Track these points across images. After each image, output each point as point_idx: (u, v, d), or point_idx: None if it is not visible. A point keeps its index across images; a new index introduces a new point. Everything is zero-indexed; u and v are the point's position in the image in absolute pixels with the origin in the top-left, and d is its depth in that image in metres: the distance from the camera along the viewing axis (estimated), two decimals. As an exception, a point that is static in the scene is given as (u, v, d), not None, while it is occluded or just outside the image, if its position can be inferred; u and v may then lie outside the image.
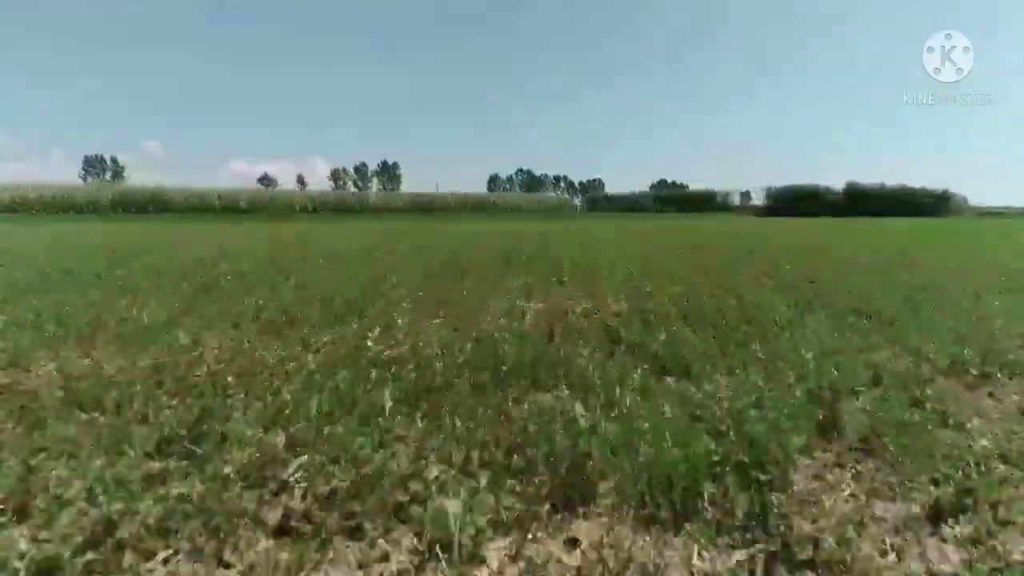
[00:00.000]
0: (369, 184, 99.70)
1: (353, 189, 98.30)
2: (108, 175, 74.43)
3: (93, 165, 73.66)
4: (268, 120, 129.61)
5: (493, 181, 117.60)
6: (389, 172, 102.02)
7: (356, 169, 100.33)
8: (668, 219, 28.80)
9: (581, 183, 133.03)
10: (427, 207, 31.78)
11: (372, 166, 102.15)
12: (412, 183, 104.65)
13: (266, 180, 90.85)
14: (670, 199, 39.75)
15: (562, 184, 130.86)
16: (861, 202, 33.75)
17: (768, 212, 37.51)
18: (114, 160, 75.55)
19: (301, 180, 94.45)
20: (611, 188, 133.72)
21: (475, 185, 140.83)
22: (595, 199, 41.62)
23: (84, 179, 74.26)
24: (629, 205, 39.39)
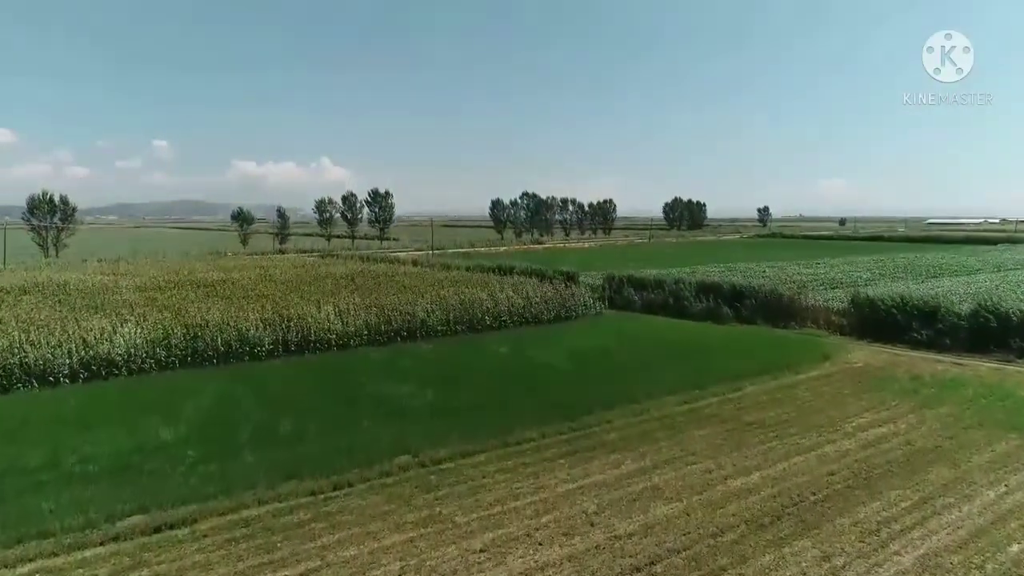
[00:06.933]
0: (359, 215, 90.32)
1: (343, 223, 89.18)
2: (57, 217, 65.44)
3: (38, 207, 64.66)
4: (271, 121, 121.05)
5: (496, 206, 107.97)
6: (381, 201, 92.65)
7: (344, 199, 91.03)
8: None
9: (591, 205, 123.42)
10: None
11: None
12: (404, 208, 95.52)
13: (240, 216, 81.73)
14: (718, 292, 29.43)
15: (571, 208, 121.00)
16: (1001, 331, 23.09)
17: (857, 331, 26.37)
18: (64, 200, 66.29)
19: (281, 214, 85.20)
20: (622, 208, 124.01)
21: (478, 209, 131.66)
22: (619, 285, 31.65)
23: (29, 223, 65.19)
24: (669, 300, 29.48)
